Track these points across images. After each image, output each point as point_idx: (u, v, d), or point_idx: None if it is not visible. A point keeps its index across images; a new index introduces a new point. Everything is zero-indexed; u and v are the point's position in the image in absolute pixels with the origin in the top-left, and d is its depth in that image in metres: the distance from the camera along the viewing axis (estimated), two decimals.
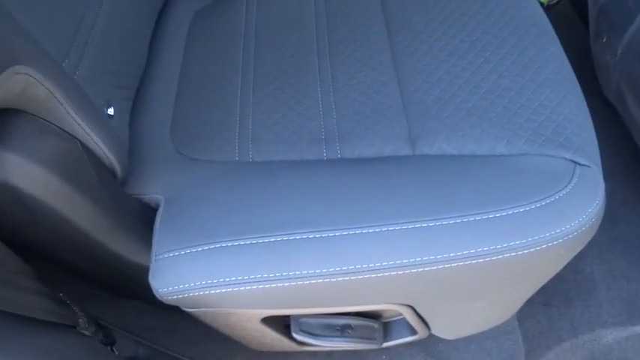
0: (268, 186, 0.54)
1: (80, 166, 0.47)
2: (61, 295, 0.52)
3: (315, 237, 0.50)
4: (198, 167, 0.58)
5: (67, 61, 0.52)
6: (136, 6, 0.68)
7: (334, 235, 0.50)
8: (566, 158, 0.51)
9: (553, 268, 0.57)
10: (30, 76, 0.40)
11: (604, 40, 0.98)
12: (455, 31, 0.64)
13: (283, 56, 0.68)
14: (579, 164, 0.51)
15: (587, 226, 0.48)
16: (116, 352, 0.61)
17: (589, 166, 0.51)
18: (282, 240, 0.50)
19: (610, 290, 0.90)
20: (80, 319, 0.52)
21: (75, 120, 0.46)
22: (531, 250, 0.48)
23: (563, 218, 0.47)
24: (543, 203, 0.48)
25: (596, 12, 1.01)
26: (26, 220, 0.48)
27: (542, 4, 1.38)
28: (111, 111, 0.55)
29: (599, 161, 0.52)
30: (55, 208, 0.47)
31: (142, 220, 0.56)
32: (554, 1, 1.37)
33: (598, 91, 1.03)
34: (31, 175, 0.44)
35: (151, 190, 0.57)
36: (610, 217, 0.97)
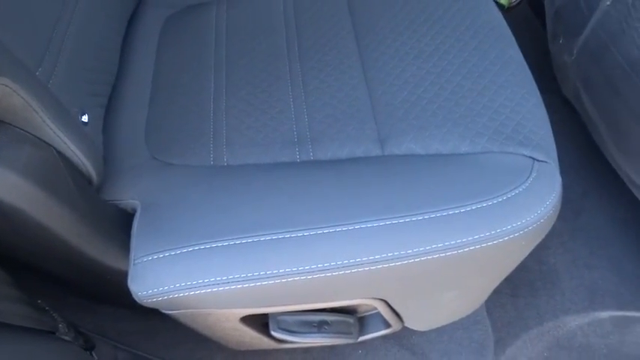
0: (243, 188, 0.56)
1: (56, 174, 0.48)
2: (39, 301, 0.52)
3: (290, 237, 0.52)
4: (174, 172, 0.60)
5: (40, 69, 0.52)
6: (107, 13, 0.68)
7: (309, 235, 0.52)
8: (525, 155, 0.55)
9: (516, 258, 0.60)
10: (6, 86, 0.41)
11: (561, 42, 1.03)
12: (419, 35, 0.67)
13: (254, 61, 0.70)
14: (537, 160, 0.54)
15: (545, 217, 0.51)
16: (96, 357, 0.62)
17: (546, 162, 0.55)
18: (258, 240, 0.52)
19: (573, 279, 0.95)
20: (60, 325, 0.52)
21: (50, 128, 0.46)
22: (495, 242, 0.51)
23: (523, 211, 0.50)
24: (504, 198, 0.51)
25: (553, 15, 1.06)
26: (3, 227, 0.48)
27: (502, 6, 1.44)
28: (85, 118, 0.55)
29: (555, 157, 0.56)
30: (32, 215, 0.47)
31: (120, 225, 0.57)
32: (514, 4, 1.42)
33: (557, 90, 1.08)
34: (7, 183, 0.45)
35: (128, 196, 0.58)
36: (571, 209, 1.02)
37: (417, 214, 0.50)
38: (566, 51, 1.01)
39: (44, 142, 0.47)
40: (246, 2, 0.77)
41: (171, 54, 0.73)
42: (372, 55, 0.68)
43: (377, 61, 0.67)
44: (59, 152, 0.48)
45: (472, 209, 0.50)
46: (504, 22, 0.71)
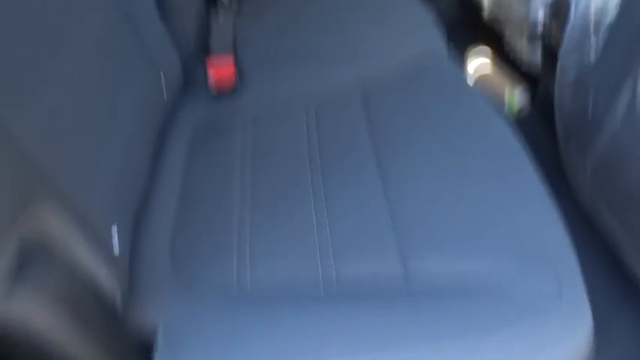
0: (267, 323, 0.55)
1: (84, 298, 0.48)
2: None
3: None
4: (197, 296, 0.60)
5: (79, 187, 0.54)
6: (138, 131, 0.73)
7: None
8: (549, 279, 0.54)
9: None
10: (47, 210, 0.43)
11: (573, 152, 1.06)
12: (438, 158, 0.70)
13: (279, 177, 0.73)
14: (563, 286, 0.54)
15: (576, 350, 0.50)
16: None
17: (574, 287, 0.54)
18: None
19: None
20: None
21: (84, 252, 0.48)
22: None
23: (551, 342, 0.49)
24: (530, 327, 0.50)
25: (562, 130, 1.10)
26: (17, 345, 0.48)
27: (511, 107, 1.50)
28: (115, 237, 0.57)
29: (582, 281, 0.55)
30: (51, 338, 0.47)
31: (139, 352, 0.56)
32: (523, 112, 1.49)
33: (570, 196, 1.09)
34: (34, 304, 0.45)
35: (149, 320, 0.58)
36: (598, 338, 0.96)
37: (444, 343, 0.49)
38: (580, 161, 1.03)
39: (76, 265, 0.48)
40: (272, 121, 0.83)
41: (199, 168, 0.77)
42: (391, 172, 0.70)
43: (396, 177, 0.69)
44: (87, 275, 0.49)
45: (498, 339, 0.49)
46: (516, 141, 0.74)
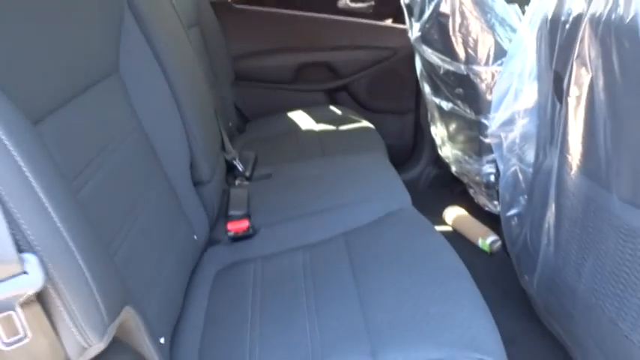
0: None
1: None
2: None
3: None
4: None
5: (144, 300, 0.78)
6: (179, 267, 0.98)
7: None
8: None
9: None
10: (128, 312, 0.66)
11: (526, 278, 1.28)
12: (401, 280, 0.93)
13: (281, 299, 0.96)
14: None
15: None
16: None
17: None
18: None
19: None
20: None
21: (147, 346, 0.69)
22: None
23: None
24: None
25: (515, 259, 1.34)
26: None
27: (486, 252, 1.74)
28: (162, 340, 0.79)
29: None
30: None
31: None
32: (495, 250, 1.73)
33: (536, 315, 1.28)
34: None
35: None
36: None
37: None
38: (530, 285, 1.25)
39: (142, 356, 0.69)
40: (276, 259, 1.08)
41: (221, 294, 1.00)
42: (365, 291, 0.93)
43: (370, 295, 0.92)
44: None
45: None
46: (461, 262, 0.98)
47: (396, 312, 0.87)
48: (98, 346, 0.58)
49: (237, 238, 1.18)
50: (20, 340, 0.50)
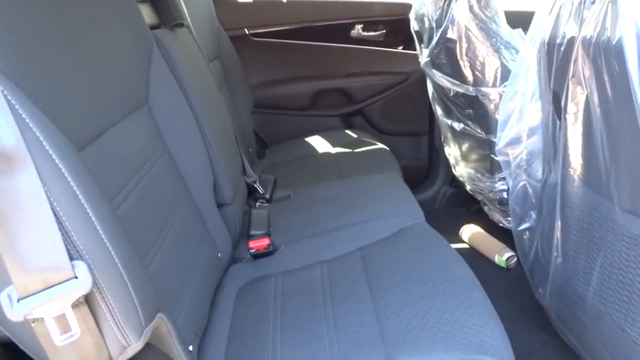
0: None
1: None
2: None
3: None
4: None
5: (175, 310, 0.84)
6: (204, 281, 1.05)
7: None
8: None
9: None
10: (161, 318, 0.73)
11: (540, 291, 1.31)
12: (413, 290, 0.98)
13: (300, 310, 1.01)
14: None
15: None
16: None
17: None
18: None
19: None
20: None
21: (177, 350, 0.76)
22: None
23: None
24: None
25: (528, 271, 1.37)
26: None
27: (503, 268, 1.77)
28: (191, 347, 0.85)
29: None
30: None
31: None
32: (512, 266, 1.76)
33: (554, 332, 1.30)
34: None
35: None
36: None
37: None
38: (543, 297, 1.28)
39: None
40: (295, 274, 1.14)
41: (244, 307, 1.06)
42: (380, 302, 0.98)
43: (384, 305, 0.97)
44: None
45: None
46: (472, 273, 1.02)
47: (409, 321, 0.92)
48: (136, 346, 0.65)
49: (258, 255, 1.25)
50: (71, 337, 0.57)
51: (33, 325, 0.56)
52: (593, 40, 0.85)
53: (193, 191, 1.14)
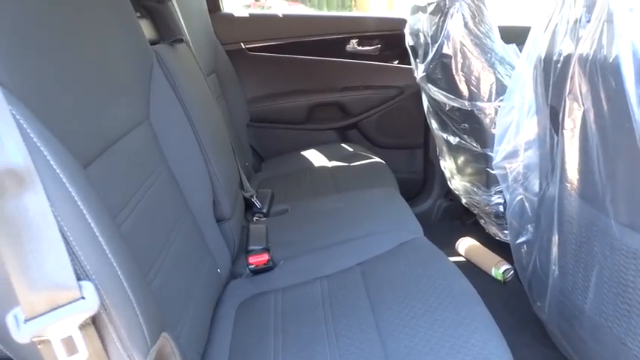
0: None
1: None
2: None
3: None
4: None
5: (177, 328, 0.84)
6: (204, 299, 1.04)
7: None
8: None
9: None
10: (165, 337, 0.72)
11: (538, 304, 1.32)
12: (414, 307, 0.98)
13: (301, 328, 1.01)
14: None
15: None
16: None
17: None
18: None
19: None
20: None
21: None
22: None
23: None
24: None
25: (527, 285, 1.38)
26: None
27: (499, 281, 1.78)
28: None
29: None
30: None
31: None
32: (508, 279, 1.77)
33: (552, 345, 1.30)
34: None
35: None
36: None
37: None
38: (542, 311, 1.28)
39: None
40: (295, 290, 1.13)
41: (245, 323, 1.05)
42: (382, 318, 0.98)
43: (386, 322, 0.97)
44: None
45: None
46: (472, 288, 1.02)
47: (412, 337, 0.92)
48: None
49: (257, 271, 1.25)
50: (77, 359, 0.56)
51: (39, 347, 0.56)
52: (590, 58, 0.87)
53: (193, 207, 1.14)
